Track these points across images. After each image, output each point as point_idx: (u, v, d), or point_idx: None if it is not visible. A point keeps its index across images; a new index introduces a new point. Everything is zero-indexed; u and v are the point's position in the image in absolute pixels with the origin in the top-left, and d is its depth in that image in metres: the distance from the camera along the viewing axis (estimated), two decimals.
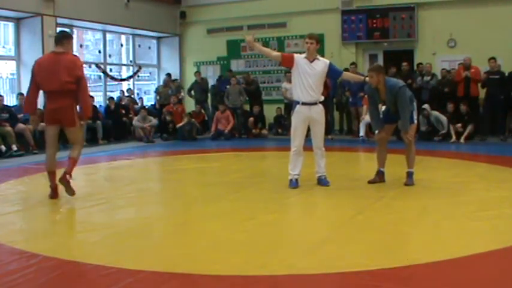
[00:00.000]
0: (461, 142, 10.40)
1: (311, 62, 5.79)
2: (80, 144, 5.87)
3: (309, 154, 6.22)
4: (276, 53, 6.20)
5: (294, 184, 5.89)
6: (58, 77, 5.38)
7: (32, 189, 6.35)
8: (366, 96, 11.19)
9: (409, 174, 5.99)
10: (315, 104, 5.79)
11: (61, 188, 5.55)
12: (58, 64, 5.41)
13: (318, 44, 5.88)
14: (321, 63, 5.84)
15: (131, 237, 4.10)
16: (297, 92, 5.83)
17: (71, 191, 5.52)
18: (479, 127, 10.85)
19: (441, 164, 7.92)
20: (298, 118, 5.83)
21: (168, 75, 14.41)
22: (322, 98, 5.91)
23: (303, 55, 5.86)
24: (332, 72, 6.02)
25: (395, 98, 5.70)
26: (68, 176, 5.51)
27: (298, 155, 5.91)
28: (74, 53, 10.89)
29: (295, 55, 5.93)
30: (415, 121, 6.02)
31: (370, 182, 6.05)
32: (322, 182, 5.99)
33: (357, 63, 12.49)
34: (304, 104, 5.77)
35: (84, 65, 5.68)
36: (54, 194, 5.60)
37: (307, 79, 5.75)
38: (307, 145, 6.09)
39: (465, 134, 10.52)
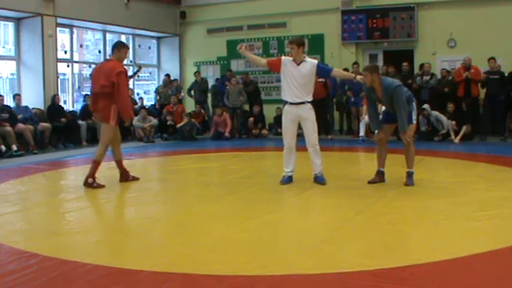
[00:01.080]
0: (456, 142, 10.37)
1: (298, 64, 5.92)
2: (103, 144, 6.19)
3: (308, 154, 6.23)
4: (264, 61, 6.31)
5: (286, 180, 6.08)
6: (98, 81, 6.06)
7: (32, 189, 6.35)
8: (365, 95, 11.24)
9: (409, 175, 5.98)
10: (302, 103, 5.93)
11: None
12: (100, 70, 6.15)
13: (300, 47, 5.94)
14: (308, 65, 5.93)
15: (131, 237, 4.10)
16: (285, 93, 6.02)
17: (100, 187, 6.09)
18: (479, 127, 10.85)
19: (441, 164, 7.93)
20: (286, 118, 6.03)
21: (167, 75, 14.42)
22: (310, 99, 6.00)
23: (292, 57, 6.01)
24: (321, 72, 6.14)
25: (391, 98, 5.69)
26: (90, 180, 6.03)
27: (290, 153, 6.08)
28: (74, 52, 10.93)
29: (283, 58, 6.08)
30: (414, 121, 5.99)
31: (370, 182, 6.04)
32: (318, 179, 6.06)
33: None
34: (291, 104, 5.96)
35: (122, 70, 6.03)
36: (123, 178, 6.43)
37: (293, 81, 5.91)
38: (303, 145, 6.12)
39: (460, 134, 10.50)
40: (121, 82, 5.91)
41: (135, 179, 6.55)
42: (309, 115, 5.97)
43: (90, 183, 6.03)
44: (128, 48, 6.38)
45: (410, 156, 5.99)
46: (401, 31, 12.58)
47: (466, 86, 11.00)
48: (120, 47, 6.22)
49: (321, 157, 6.09)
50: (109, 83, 5.91)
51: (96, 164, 6.10)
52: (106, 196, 5.77)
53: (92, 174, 6.07)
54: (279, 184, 6.05)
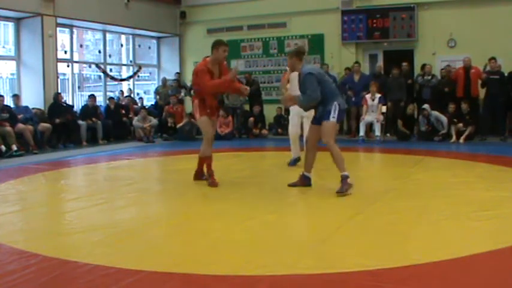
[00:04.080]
0: (461, 142, 10.39)
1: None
2: (204, 139, 6.22)
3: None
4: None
5: (292, 163, 7.31)
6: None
7: (32, 189, 6.35)
8: (365, 96, 11.26)
9: (342, 179, 5.43)
10: None
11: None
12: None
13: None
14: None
15: (131, 237, 4.10)
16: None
17: (213, 184, 6.10)
18: (479, 127, 10.85)
19: (441, 164, 7.91)
20: (293, 112, 7.30)
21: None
22: None
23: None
24: None
25: (303, 84, 5.52)
26: (205, 177, 6.24)
27: (295, 140, 7.30)
28: (74, 52, 10.92)
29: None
30: (333, 119, 5.51)
31: (289, 185, 5.89)
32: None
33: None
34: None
35: (200, 70, 6.08)
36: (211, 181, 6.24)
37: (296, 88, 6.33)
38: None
39: (465, 134, 10.50)
40: (200, 81, 5.98)
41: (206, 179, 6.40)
42: (309, 113, 6.40)
43: (206, 179, 6.19)
44: (224, 45, 6.11)
45: (336, 158, 5.54)
46: (401, 31, 12.58)
47: (466, 86, 11.01)
48: (213, 46, 6.07)
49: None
50: (193, 83, 6.23)
51: (202, 161, 6.23)
52: (106, 196, 5.77)
53: (207, 172, 6.22)
54: (287, 165, 7.23)
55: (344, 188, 5.36)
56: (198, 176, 6.47)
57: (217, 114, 6.73)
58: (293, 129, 7.37)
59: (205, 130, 6.14)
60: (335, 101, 5.52)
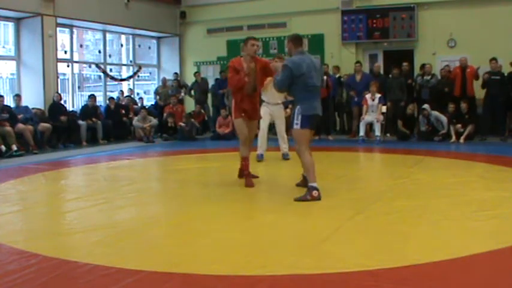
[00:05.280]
0: (461, 142, 10.39)
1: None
2: (239, 139, 6.22)
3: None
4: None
5: (260, 157, 8.10)
6: None
7: (32, 189, 6.35)
8: (366, 96, 11.26)
9: (308, 189, 5.27)
10: (276, 104, 8.05)
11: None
12: None
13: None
14: None
15: (131, 237, 4.10)
16: (266, 95, 7.97)
17: (248, 185, 6.03)
18: (479, 127, 10.84)
19: (441, 164, 7.91)
20: (264, 111, 7.90)
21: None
22: (280, 101, 8.08)
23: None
24: None
25: None
26: (245, 173, 6.17)
27: (263, 136, 8.12)
28: (74, 52, 10.85)
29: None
30: (295, 125, 5.30)
31: (297, 185, 5.90)
32: (284, 156, 8.23)
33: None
34: (267, 103, 8.00)
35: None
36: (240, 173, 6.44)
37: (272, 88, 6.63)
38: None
39: (465, 134, 10.49)
40: (229, 76, 6.09)
41: (253, 177, 6.36)
42: (279, 113, 8.16)
43: (245, 176, 6.12)
44: (252, 39, 6.15)
45: (305, 167, 5.35)
46: (401, 31, 12.58)
47: (463, 85, 11.01)
48: (244, 42, 6.18)
49: (286, 142, 8.22)
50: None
51: (242, 160, 6.17)
52: (106, 196, 5.77)
53: (244, 172, 6.17)
54: (256, 161, 7.74)
55: (306, 197, 5.18)
56: (240, 173, 6.46)
57: (258, 116, 6.57)
58: (264, 124, 8.08)
59: (238, 132, 6.24)
60: (298, 104, 5.32)
